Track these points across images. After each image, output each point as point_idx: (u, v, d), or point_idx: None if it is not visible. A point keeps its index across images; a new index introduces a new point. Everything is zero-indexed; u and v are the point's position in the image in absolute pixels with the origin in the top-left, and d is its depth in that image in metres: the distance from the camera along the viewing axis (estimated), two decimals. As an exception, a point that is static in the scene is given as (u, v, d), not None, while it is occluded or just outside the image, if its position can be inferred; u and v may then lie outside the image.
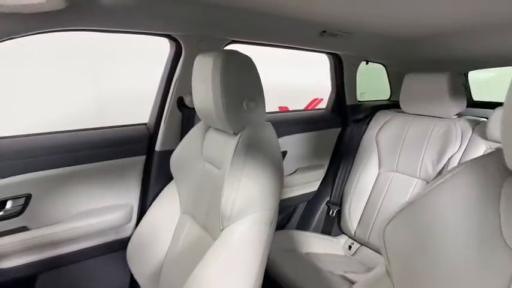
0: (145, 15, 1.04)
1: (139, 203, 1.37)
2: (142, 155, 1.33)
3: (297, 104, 3.87)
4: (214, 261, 0.81)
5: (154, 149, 1.35)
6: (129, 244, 1.22)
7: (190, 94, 1.13)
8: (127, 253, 1.21)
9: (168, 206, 1.19)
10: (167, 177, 1.24)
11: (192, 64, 1.02)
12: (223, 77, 0.88)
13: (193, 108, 1.13)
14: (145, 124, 1.39)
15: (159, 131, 1.35)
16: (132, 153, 1.30)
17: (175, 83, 1.30)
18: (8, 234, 1.13)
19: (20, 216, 1.15)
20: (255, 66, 0.95)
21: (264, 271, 0.88)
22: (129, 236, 1.27)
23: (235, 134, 0.94)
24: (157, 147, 1.35)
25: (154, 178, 1.35)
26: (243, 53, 0.95)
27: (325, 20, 1.21)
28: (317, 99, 4.11)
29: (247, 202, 0.82)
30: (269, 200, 0.84)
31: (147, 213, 1.22)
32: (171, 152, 1.22)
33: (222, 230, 0.84)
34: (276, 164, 0.88)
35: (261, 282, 0.87)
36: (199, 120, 1.13)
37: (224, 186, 0.83)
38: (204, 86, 0.94)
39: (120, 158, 1.28)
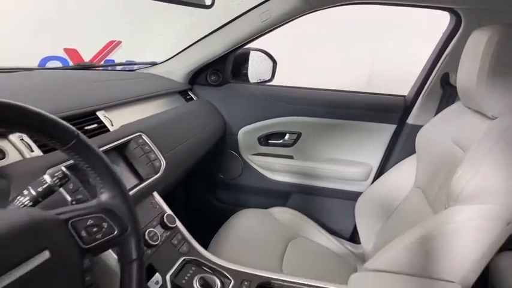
0: None
1: (379, 166, 1.50)
2: (393, 123, 1.44)
3: None
4: (423, 232, 0.81)
5: (406, 121, 1.42)
6: (360, 197, 1.39)
7: None
8: (356, 205, 1.39)
9: (404, 176, 1.25)
10: (411, 150, 1.27)
11: None
12: (496, 53, 0.82)
13: None
14: (403, 96, 1.46)
15: (415, 104, 1.39)
16: (385, 119, 1.44)
17: (444, 58, 1.28)
18: (281, 158, 1.58)
19: (291, 148, 1.57)
20: None
21: (476, 275, 0.81)
22: (362, 191, 1.43)
23: (494, 118, 0.87)
24: (410, 120, 1.41)
25: (399, 148, 1.44)
26: None
27: None
28: None
29: (480, 189, 0.76)
30: (508, 196, 0.75)
31: (383, 175, 1.33)
32: (422, 127, 1.25)
33: (445, 209, 0.83)
34: None
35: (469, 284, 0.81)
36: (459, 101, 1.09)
37: (461, 165, 0.80)
38: (471, 61, 0.90)
39: (373, 121, 1.45)
